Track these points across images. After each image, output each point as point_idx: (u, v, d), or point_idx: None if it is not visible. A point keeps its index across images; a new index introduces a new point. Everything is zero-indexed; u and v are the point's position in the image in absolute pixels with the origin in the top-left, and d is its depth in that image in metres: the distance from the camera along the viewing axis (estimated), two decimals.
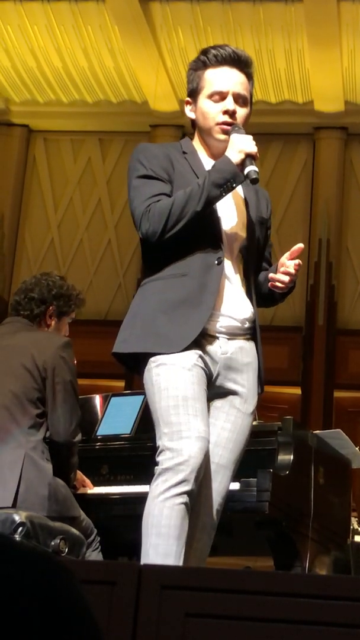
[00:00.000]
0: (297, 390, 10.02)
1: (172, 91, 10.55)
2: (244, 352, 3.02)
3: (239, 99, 3.12)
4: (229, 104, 3.08)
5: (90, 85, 10.71)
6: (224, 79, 3.11)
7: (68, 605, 0.96)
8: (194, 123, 3.17)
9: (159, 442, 2.83)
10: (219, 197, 2.95)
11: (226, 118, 3.07)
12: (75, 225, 11.16)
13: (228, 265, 3.01)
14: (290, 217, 10.73)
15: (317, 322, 10.25)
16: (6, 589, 0.92)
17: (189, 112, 3.18)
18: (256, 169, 2.96)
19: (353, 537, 4.72)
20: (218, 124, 3.08)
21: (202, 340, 2.94)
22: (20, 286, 4.32)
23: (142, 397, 4.78)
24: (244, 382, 3.00)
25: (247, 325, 3.04)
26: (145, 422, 4.46)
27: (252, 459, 3.41)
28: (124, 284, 10.89)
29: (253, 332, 3.06)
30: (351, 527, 4.70)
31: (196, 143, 3.18)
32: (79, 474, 4.26)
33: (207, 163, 3.09)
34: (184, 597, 1.91)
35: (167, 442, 2.80)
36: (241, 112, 3.11)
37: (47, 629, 0.93)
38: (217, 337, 2.97)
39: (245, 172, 2.95)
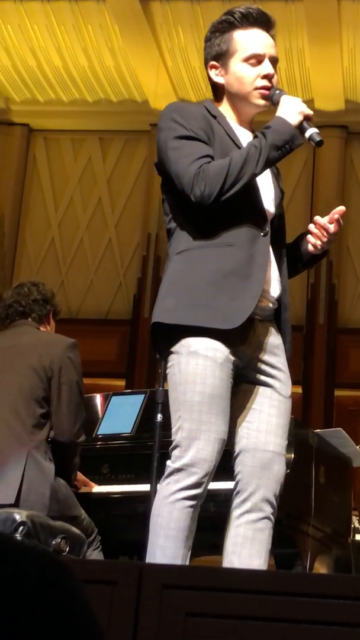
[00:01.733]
0: (298, 389, 10.02)
1: (172, 90, 10.54)
2: (273, 334, 2.91)
3: (274, 62, 2.99)
4: (268, 67, 2.94)
5: (91, 84, 10.71)
6: (258, 41, 2.96)
7: (69, 605, 0.96)
8: (217, 87, 3.00)
9: (175, 436, 2.76)
10: (277, 159, 2.83)
11: (265, 82, 2.93)
12: (76, 225, 11.16)
13: (270, 239, 2.89)
14: (290, 216, 10.68)
15: (317, 321, 10.25)
16: (7, 588, 0.92)
17: (215, 76, 2.98)
18: (317, 131, 2.84)
19: (354, 536, 4.72)
20: (257, 88, 2.93)
21: (240, 327, 2.79)
22: (10, 297, 4.27)
23: (142, 396, 4.78)
24: (280, 365, 2.89)
25: (274, 305, 2.92)
26: (146, 421, 4.46)
27: None
28: (124, 283, 10.88)
29: (276, 312, 2.94)
30: (352, 525, 4.70)
31: (224, 108, 3.00)
32: (79, 474, 4.26)
33: (237, 129, 2.95)
34: (184, 596, 1.91)
35: (184, 438, 2.73)
36: (276, 77, 2.99)
37: (47, 629, 0.92)
38: (252, 319, 2.83)
39: (308, 135, 2.83)
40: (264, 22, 2.99)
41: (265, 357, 2.88)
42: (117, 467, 4.50)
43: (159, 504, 2.75)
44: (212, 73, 3.00)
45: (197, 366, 2.75)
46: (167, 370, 2.85)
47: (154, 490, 3.37)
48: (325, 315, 10.28)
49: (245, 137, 2.97)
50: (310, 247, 2.97)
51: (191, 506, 2.72)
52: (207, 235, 2.82)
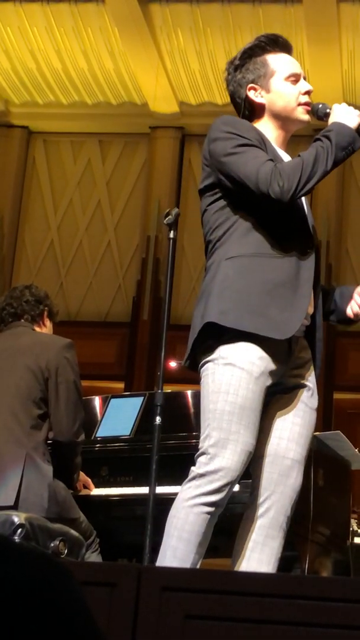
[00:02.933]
0: None
1: (171, 93, 10.55)
2: (305, 349, 2.98)
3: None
4: (307, 84, 3.15)
5: (90, 86, 10.71)
6: (292, 62, 3.17)
7: (67, 607, 0.96)
8: (255, 108, 3.11)
9: (202, 444, 2.79)
10: (343, 160, 2.97)
11: (307, 98, 3.12)
12: (75, 227, 11.16)
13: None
14: None
15: None
16: (5, 590, 0.92)
17: (255, 97, 3.10)
18: None
19: (353, 539, 4.72)
20: (301, 104, 3.11)
21: (285, 341, 2.86)
22: (3, 300, 4.30)
23: (141, 398, 4.78)
24: (309, 377, 2.98)
25: (308, 322, 2.98)
26: (145, 424, 4.46)
27: None
28: (123, 286, 10.88)
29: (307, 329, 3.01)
30: (351, 528, 4.70)
31: (264, 128, 3.09)
32: (82, 475, 4.26)
33: (277, 150, 3.09)
34: (184, 598, 1.91)
35: (211, 446, 2.76)
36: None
37: (46, 631, 0.92)
38: (294, 336, 2.89)
39: None
40: (288, 46, 3.20)
41: (296, 370, 2.95)
42: (116, 470, 4.50)
43: (177, 506, 2.77)
44: (252, 94, 3.12)
45: (232, 377, 2.78)
46: (202, 379, 2.87)
47: (152, 493, 3.37)
48: None
49: (284, 157, 3.08)
50: (348, 311, 3.09)
51: (208, 513, 2.73)
52: (258, 244, 2.89)
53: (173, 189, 10.99)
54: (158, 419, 3.87)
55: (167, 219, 4.19)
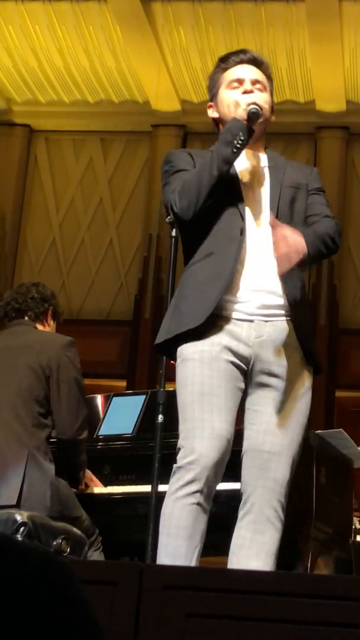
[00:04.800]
0: None
1: (173, 91, 10.55)
2: (284, 332, 2.92)
3: (257, 83, 3.12)
4: (247, 85, 3.10)
5: (92, 85, 10.71)
6: (240, 71, 3.15)
7: (69, 606, 0.96)
8: (217, 124, 3.18)
9: (179, 440, 2.83)
10: (231, 155, 2.94)
11: (250, 98, 3.04)
12: (77, 225, 11.16)
13: (257, 237, 2.95)
14: None
15: (319, 322, 10.25)
16: (7, 589, 0.92)
17: (211, 113, 3.19)
18: (255, 106, 2.99)
19: (355, 537, 4.72)
20: (248, 104, 3.04)
21: (233, 327, 2.88)
22: (9, 295, 4.31)
23: (143, 397, 4.78)
24: (288, 364, 2.91)
25: (283, 302, 2.93)
26: (147, 422, 4.46)
27: None
28: (125, 284, 10.88)
29: (290, 311, 2.94)
30: (353, 526, 4.70)
31: None
32: (88, 472, 4.26)
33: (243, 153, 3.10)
34: (185, 597, 1.91)
35: (182, 440, 2.81)
36: (259, 95, 3.08)
37: (48, 630, 0.92)
38: (252, 321, 2.89)
39: (247, 113, 2.98)
40: (252, 60, 3.18)
41: (270, 357, 2.90)
42: (118, 468, 4.50)
43: (164, 503, 2.79)
44: (209, 112, 3.21)
45: (186, 369, 2.85)
46: None
47: (155, 491, 3.37)
48: (327, 316, 10.28)
49: (242, 162, 3.08)
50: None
51: (192, 503, 2.73)
52: (195, 253, 2.99)
53: None
54: (160, 417, 3.86)
55: (168, 217, 4.19)
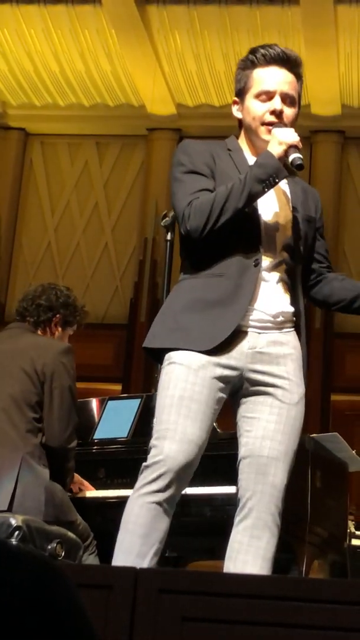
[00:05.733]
0: None
1: (169, 94, 10.56)
2: (279, 344, 2.96)
3: (287, 99, 3.06)
4: (277, 103, 3.03)
5: (87, 88, 10.72)
6: (271, 78, 3.06)
7: (64, 610, 0.96)
8: (240, 122, 3.13)
9: (151, 440, 2.84)
10: (261, 192, 2.90)
11: (272, 118, 3.02)
12: (72, 229, 11.16)
13: (267, 265, 2.97)
14: None
15: (313, 326, 10.26)
16: (2, 593, 0.92)
17: (236, 111, 3.12)
18: (300, 156, 2.92)
19: (350, 541, 4.72)
20: (264, 124, 3.03)
21: (234, 336, 2.88)
22: (27, 293, 4.32)
23: (138, 400, 4.78)
24: (283, 374, 2.93)
25: (280, 319, 2.97)
26: (142, 426, 4.46)
27: None
28: (120, 288, 10.88)
29: (293, 325, 3.01)
30: (348, 530, 4.70)
31: (242, 141, 3.14)
32: (77, 476, 4.25)
33: (252, 162, 3.05)
34: (180, 601, 1.91)
35: (153, 439, 2.81)
36: (288, 112, 3.05)
37: (42, 634, 0.92)
38: (246, 332, 2.91)
39: (290, 159, 2.91)
40: (284, 60, 3.10)
41: (266, 367, 2.92)
42: (113, 472, 4.50)
43: (128, 501, 2.80)
44: (234, 109, 3.14)
45: (172, 372, 2.84)
46: None
47: None
48: (322, 320, 10.29)
49: None
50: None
51: (152, 502, 2.73)
52: (201, 266, 2.94)
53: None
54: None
55: (164, 220, 4.19)
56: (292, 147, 2.92)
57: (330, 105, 10.43)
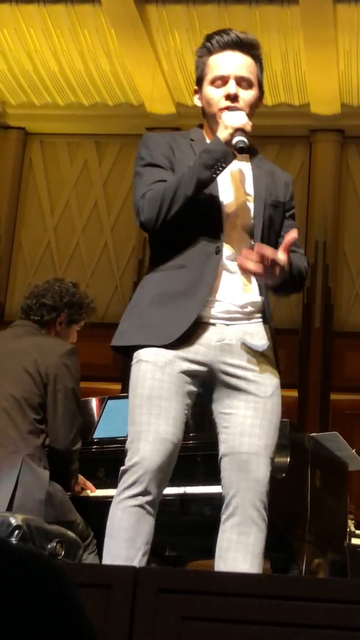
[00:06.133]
0: (294, 393, 10.02)
1: (168, 94, 10.55)
2: (248, 335, 2.92)
3: (242, 82, 3.02)
4: (231, 87, 3.00)
5: (87, 87, 10.71)
6: (225, 63, 3.03)
7: (64, 609, 0.96)
8: (204, 111, 3.11)
9: (126, 443, 2.83)
10: (210, 178, 2.87)
11: (227, 103, 2.99)
12: (72, 228, 11.16)
13: (231, 254, 2.92)
14: None
15: (313, 325, 10.26)
16: (2, 592, 0.92)
17: (196, 100, 3.12)
18: (243, 139, 2.86)
19: (350, 540, 4.72)
20: (221, 109, 2.99)
21: (194, 328, 2.86)
22: (32, 290, 4.30)
23: None
24: (254, 366, 2.89)
25: (248, 309, 2.93)
26: None
27: None
28: (120, 287, 10.88)
29: (261, 316, 2.96)
30: (348, 529, 4.70)
31: (205, 131, 3.12)
32: (81, 477, 4.25)
33: None
34: (180, 600, 1.91)
35: (128, 442, 2.80)
36: (244, 95, 3.01)
37: (42, 633, 0.92)
38: (214, 324, 2.88)
39: (233, 142, 2.86)
40: (238, 44, 3.05)
41: (236, 360, 2.88)
42: (113, 471, 4.47)
43: (110, 506, 2.79)
44: (195, 98, 3.14)
45: (139, 371, 2.83)
46: None
47: None
48: (321, 319, 10.29)
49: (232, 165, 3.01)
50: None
51: (134, 505, 2.72)
52: (164, 259, 2.94)
53: None
54: None
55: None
56: (238, 130, 2.88)
57: (329, 104, 10.43)
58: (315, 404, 9.94)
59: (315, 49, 9.55)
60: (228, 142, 2.88)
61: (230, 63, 3.03)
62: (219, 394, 2.89)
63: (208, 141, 3.05)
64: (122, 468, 2.77)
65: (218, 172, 2.88)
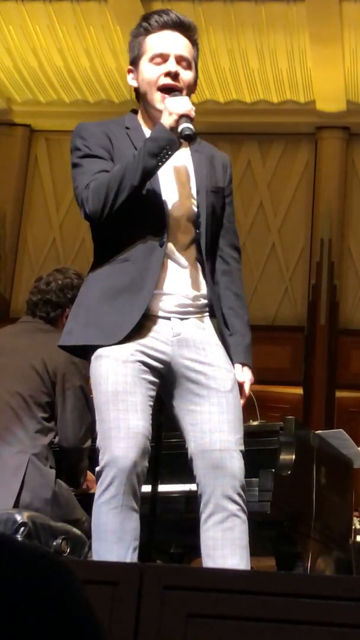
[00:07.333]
0: (299, 390, 10.02)
1: None
2: (201, 330, 2.89)
3: (182, 61, 2.97)
4: (171, 65, 2.94)
5: (92, 85, 10.71)
6: (165, 41, 2.97)
7: (69, 606, 0.96)
8: (137, 92, 3.04)
9: (97, 441, 2.79)
10: (156, 167, 2.81)
11: (168, 80, 2.93)
12: (77, 225, 11.15)
13: (174, 243, 2.89)
14: (292, 217, 10.73)
15: (319, 322, 10.25)
16: (7, 589, 0.92)
17: (131, 80, 3.03)
18: (189, 126, 2.81)
19: (355, 537, 4.72)
20: (159, 88, 2.94)
21: (150, 324, 2.83)
22: (37, 285, 4.27)
23: None
24: (210, 361, 2.85)
25: (201, 301, 2.91)
26: None
27: (254, 459, 3.39)
28: None
29: (210, 309, 2.93)
30: (353, 527, 4.70)
31: (140, 117, 3.05)
32: (89, 474, 4.25)
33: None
34: (185, 597, 1.91)
35: (99, 440, 2.76)
36: (185, 75, 2.96)
37: (48, 630, 0.92)
38: (169, 318, 2.86)
39: (179, 129, 2.81)
40: (178, 24, 3.01)
41: (193, 354, 2.85)
42: None
43: (92, 507, 2.76)
44: (129, 77, 3.05)
45: (101, 367, 2.79)
46: None
47: (154, 491, 3.37)
48: (327, 317, 10.28)
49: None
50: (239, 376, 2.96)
51: (115, 507, 2.69)
52: (107, 253, 2.88)
53: None
54: (161, 418, 3.86)
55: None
56: (183, 117, 2.82)
57: (335, 101, 10.41)
58: (321, 401, 9.93)
59: (321, 46, 9.54)
60: (173, 129, 2.81)
61: (171, 42, 2.98)
62: (180, 390, 2.86)
63: (145, 128, 2.99)
64: (97, 469, 2.74)
65: (164, 160, 2.81)
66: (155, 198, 2.88)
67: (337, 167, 10.73)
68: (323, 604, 1.88)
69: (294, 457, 3.94)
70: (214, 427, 2.81)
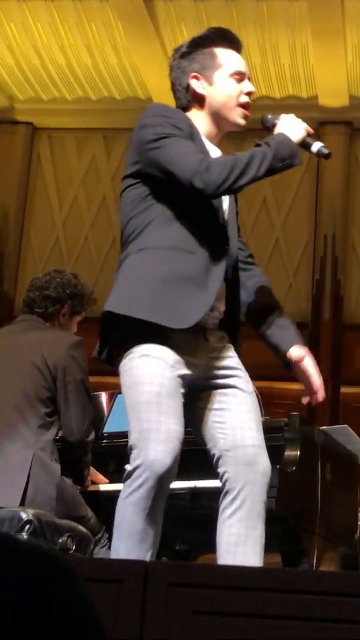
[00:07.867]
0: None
1: None
2: (223, 339, 2.98)
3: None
4: (250, 85, 3.06)
5: (94, 82, 10.70)
6: (240, 61, 3.08)
7: (72, 606, 0.96)
8: (195, 98, 3.09)
9: (129, 439, 2.78)
10: (278, 171, 2.87)
11: (247, 99, 3.04)
12: (80, 223, 11.16)
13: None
14: (295, 213, 10.72)
15: (323, 318, 10.24)
16: (10, 588, 0.92)
17: (199, 87, 3.07)
18: (323, 144, 2.93)
19: None
20: (240, 105, 3.03)
21: (197, 332, 2.88)
22: (34, 283, 4.30)
23: None
24: (235, 365, 2.95)
25: (220, 316, 2.99)
26: None
27: None
28: None
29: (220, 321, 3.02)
30: (358, 523, 4.70)
31: (197, 121, 3.07)
32: (92, 469, 4.26)
33: (208, 146, 3.02)
34: (191, 594, 1.91)
35: (134, 439, 2.75)
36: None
37: (51, 629, 0.92)
38: (208, 328, 2.93)
39: (315, 149, 2.91)
40: (237, 43, 3.11)
41: (221, 362, 2.93)
42: (123, 465, 4.49)
43: (117, 505, 2.78)
44: (195, 83, 3.09)
45: (147, 367, 2.77)
46: (120, 376, 2.89)
47: None
48: (331, 312, 10.27)
49: (214, 153, 3.01)
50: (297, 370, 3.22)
51: (144, 508, 2.70)
52: (172, 238, 2.87)
53: None
54: None
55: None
56: (308, 135, 2.93)
57: (337, 96, 10.39)
58: (325, 397, 9.92)
59: (323, 42, 9.52)
60: (300, 143, 2.90)
61: (243, 63, 3.08)
62: (206, 392, 2.91)
63: (204, 133, 3.04)
64: (128, 467, 2.74)
65: (286, 168, 2.87)
66: (220, 211, 2.96)
67: (340, 162, 10.72)
68: (329, 600, 1.88)
69: (298, 453, 3.94)
70: (245, 425, 2.86)
